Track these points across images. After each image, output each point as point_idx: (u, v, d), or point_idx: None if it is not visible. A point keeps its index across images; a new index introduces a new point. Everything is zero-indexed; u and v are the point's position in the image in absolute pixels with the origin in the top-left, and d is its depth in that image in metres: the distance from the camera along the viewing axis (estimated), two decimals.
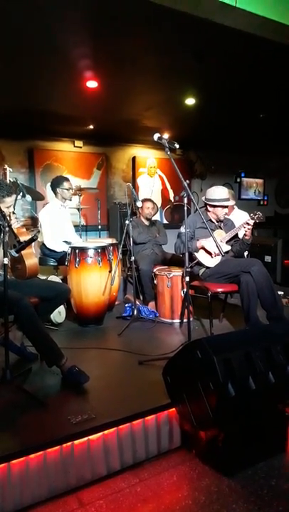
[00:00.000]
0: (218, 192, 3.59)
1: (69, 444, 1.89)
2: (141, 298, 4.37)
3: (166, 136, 6.21)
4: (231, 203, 3.68)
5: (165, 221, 7.49)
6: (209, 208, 3.64)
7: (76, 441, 1.91)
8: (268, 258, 5.64)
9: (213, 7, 2.80)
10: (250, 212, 3.50)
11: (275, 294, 3.24)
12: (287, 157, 8.82)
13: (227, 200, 3.59)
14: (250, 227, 3.38)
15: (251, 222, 3.36)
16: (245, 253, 4.77)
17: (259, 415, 2.09)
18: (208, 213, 3.65)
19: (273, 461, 2.07)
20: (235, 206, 4.93)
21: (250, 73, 4.09)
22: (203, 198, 3.68)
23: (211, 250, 3.44)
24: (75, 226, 4.90)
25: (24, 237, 2.58)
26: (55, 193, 4.32)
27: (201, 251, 3.53)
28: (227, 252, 3.60)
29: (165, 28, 3.12)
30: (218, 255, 3.42)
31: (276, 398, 2.12)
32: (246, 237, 3.46)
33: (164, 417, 2.17)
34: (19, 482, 1.77)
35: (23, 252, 2.71)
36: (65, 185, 4.28)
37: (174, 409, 2.18)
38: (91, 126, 5.93)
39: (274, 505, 1.76)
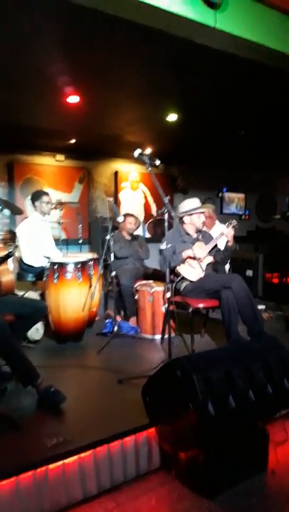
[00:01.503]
0: (190, 202, 3.65)
1: (43, 468, 1.82)
2: (122, 313, 4.32)
3: (148, 151, 6.27)
4: (204, 208, 3.73)
5: (148, 235, 7.49)
6: (185, 220, 3.64)
7: (51, 466, 1.84)
8: (249, 272, 5.67)
9: (192, 27, 2.84)
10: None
11: (255, 309, 3.24)
12: (267, 172, 8.99)
13: (200, 207, 3.64)
14: (229, 235, 3.45)
15: (226, 231, 3.45)
16: (227, 267, 4.80)
17: (239, 434, 2.06)
18: (185, 226, 3.65)
19: (254, 480, 2.03)
20: (216, 221, 4.97)
21: (230, 91, 4.17)
22: (175, 216, 3.69)
23: (198, 255, 3.43)
24: (56, 240, 4.83)
25: (0, 253, 2.52)
26: (35, 206, 4.27)
27: (185, 265, 3.51)
28: (210, 263, 3.60)
29: (145, 46, 3.16)
30: (202, 261, 3.45)
31: (256, 416, 2.10)
32: (229, 244, 3.52)
33: (143, 438, 2.11)
34: None
35: None
36: (45, 199, 4.24)
37: (153, 429, 2.13)
38: (73, 141, 5.93)
39: None
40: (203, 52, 3.15)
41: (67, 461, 1.88)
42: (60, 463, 1.86)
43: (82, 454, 1.92)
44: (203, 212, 3.70)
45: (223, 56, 3.20)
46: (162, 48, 3.17)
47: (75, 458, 1.90)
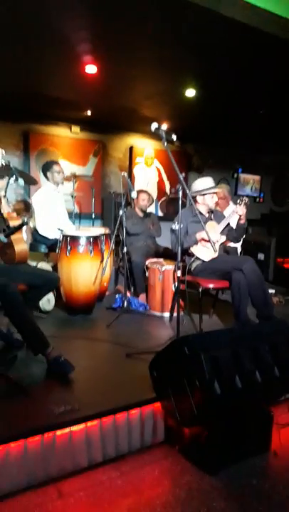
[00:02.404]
0: (204, 181, 3.60)
1: (51, 434, 1.87)
2: (132, 290, 4.34)
3: (164, 126, 6.15)
4: (218, 188, 3.68)
5: (160, 213, 7.43)
6: (198, 200, 3.61)
7: (58, 432, 1.89)
8: (261, 256, 5.63)
9: None
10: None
11: (266, 292, 3.23)
12: (285, 155, 8.79)
13: (214, 187, 3.59)
14: (241, 212, 3.40)
15: (239, 208, 3.40)
16: (239, 250, 4.77)
17: (244, 414, 2.08)
18: (198, 206, 3.61)
19: (256, 460, 2.07)
20: (231, 202, 4.91)
21: (251, 67, 4.03)
22: (190, 194, 3.65)
23: (212, 237, 3.41)
24: (69, 213, 4.83)
25: (14, 222, 2.53)
26: (47, 177, 4.27)
27: (198, 245, 3.50)
28: (223, 242, 3.58)
29: (166, 18, 3.05)
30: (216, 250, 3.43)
31: (262, 398, 2.12)
32: (241, 222, 3.49)
33: (149, 412, 2.15)
34: None
35: (12, 237, 2.66)
36: (55, 168, 4.22)
37: (158, 403, 2.16)
38: (89, 113, 5.83)
39: (254, 505, 1.76)
40: (226, 24, 3.04)
41: (74, 428, 1.93)
42: (67, 430, 1.91)
43: (89, 423, 1.97)
44: (216, 193, 3.65)
45: (245, 29, 3.09)
46: (184, 20, 3.06)
47: (81, 426, 1.95)
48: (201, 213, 3.59)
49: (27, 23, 3.15)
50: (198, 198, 3.60)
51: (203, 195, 3.57)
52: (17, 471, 1.79)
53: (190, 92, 4.85)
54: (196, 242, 3.47)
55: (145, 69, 4.18)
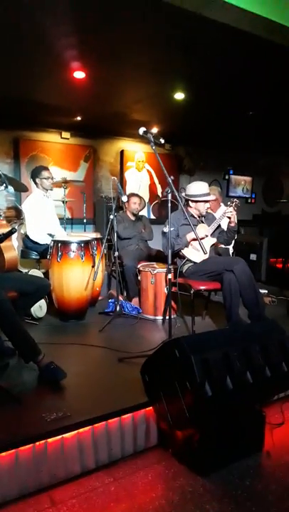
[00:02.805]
0: (199, 187, 3.58)
1: (42, 442, 1.85)
2: (124, 294, 4.34)
3: (155, 130, 6.18)
4: (212, 197, 3.68)
5: (152, 216, 7.45)
6: (191, 204, 3.62)
7: (50, 440, 1.87)
8: (253, 256, 5.64)
9: (202, 0, 2.75)
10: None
11: (257, 293, 3.24)
12: (275, 156, 8.85)
13: (208, 194, 3.58)
14: (231, 214, 3.40)
15: (229, 209, 3.40)
16: (231, 251, 4.79)
17: (236, 415, 2.08)
18: (190, 209, 3.63)
19: (249, 461, 2.06)
20: (222, 203, 4.93)
21: (239, 69, 4.05)
22: (183, 195, 3.66)
23: (201, 237, 3.41)
24: (60, 219, 4.83)
25: (3, 230, 2.51)
26: (36, 183, 4.26)
27: (189, 248, 3.51)
28: (213, 245, 3.58)
29: (153, 21, 3.06)
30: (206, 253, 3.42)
31: (253, 398, 2.12)
32: (231, 225, 3.48)
33: (141, 416, 2.14)
34: None
35: (2, 245, 2.66)
36: (44, 174, 4.22)
37: (151, 407, 2.16)
38: (79, 118, 5.84)
39: (247, 506, 1.75)
40: (213, 27, 3.06)
41: (66, 435, 1.91)
42: (59, 437, 1.89)
43: (81, 430, 1.96)
44: (209, 201, 3.65)
45: (232, 31, 3.11)
46: (171, 23, 3.07)
47: (73, 433, 1.93)
48: (192, 216, 3.60)
49: (14, 29, 3.16)
50: (191, 203, 3.61)
51: (196, 201, 3.57)
52: (8, 481, 1.77)
53: (179, 95, 4.88)
54: (186, 245, 3.48)
55: (134, 73, 4.19)
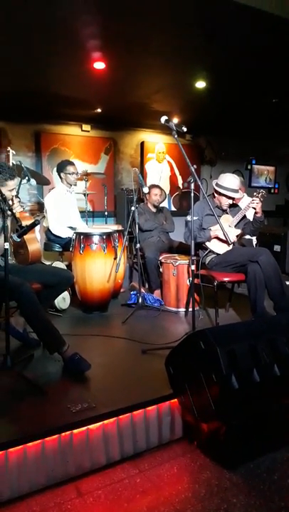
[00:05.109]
0: (229, 180, 3.48)
1: (68, 433, 1.86)
2: (146, 286, 4.32)
3: (175, 120, 6.09)
4: (239, 195, 3.57)
5: (173, 208, 7.38)
6: (216, 194, 3.55)
7: (75, 431, 1.88)
8: (277, 247, 5.54)
9: None
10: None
11: (283, 284, 3.16)
12: None
13: (236, 191, 3.49)
14: (257, 204, 3.30)
15: (256, 200, 3.30)
16: (254, 242, 4.70)
17: (263, 408, 2.04)
18: (215, 199, 3.57)
19: (277, 454, 2.02)
20: (244, 194, 4.83)
21: (263, 55, 3.93)
22: (213, 182, 3.59)
23: (226, 234, 3.35)
24: (82, 212, 4.83)
25: (26, 222, 2.52)
26: (60, 178, 4.26)
27: (213, 240, 3.45)
28: (238, 236, 3.52)
29: (175, 8, 2.99)
30: (230, 244, 3.35)
31: (281, 391, 2.07)
32: (257, 215, 3.39)
33: (166, 408, 2.13)
34: (16, 470, 1.74)
35: (25, 237, 2.67)
36: (70, 169, 4.21)
37: (176, 400, 2.14)
38: (99, 110, 5.81)
39: (276, 500, 1.72)
40: (235, 9, 2.96)
41: (91, 426, 1.92)
42: (84, 428, 1.90)
43: (106, 421, 1.96)
44: (234, 199, 3.56)
45: (256, 15, 3.00)
46: (194, 9, 3.00)
47: (98, 424, 1.94)
48: (217, 207, 3.54)
49: (34, 22, 3.14)
50: (215, 193, 3.55)
51: (220, 194, 3.50)
52: (35, 471, 1.79)
53: (200, 84, 4.78)
54: (209, 239, 3.43)
55: (153, 62, 4.12)
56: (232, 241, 3.37)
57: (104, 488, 1.80)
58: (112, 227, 4.42)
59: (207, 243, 3.46)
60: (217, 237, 3.43)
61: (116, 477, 1.88)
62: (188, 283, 3.65)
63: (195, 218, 3.08)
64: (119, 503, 1.71)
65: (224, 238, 3.33)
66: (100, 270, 3.63)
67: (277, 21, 3.13)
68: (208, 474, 1.88)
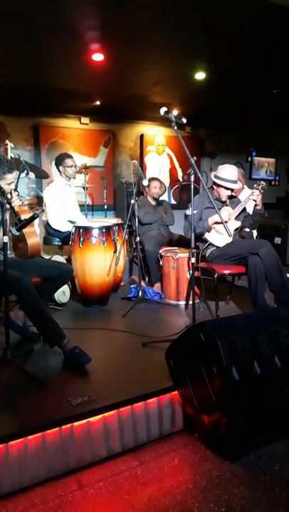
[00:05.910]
0: (227, 171, 3.45)
1: (68, 425, 1.87)
2: (146, 279, 4.31)
3: (175, 113, 6.04)
4: (237, 186, 3.55)
5: (173, 201, 7.36)
6: (214, 186, 3.53)
7: (76, 423, 1.88)
8: (277, 240, 5.53)
9: None
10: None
11: (283, 276, 3.15)
12: None
13: (234, 182, 3.46)
14: (257, 196, 3.27)
15: (256, 192, 3.27)
16: (255, 234, 4.68)
17: (264, 400, 2.04)
18: (214, 191, 3.55)
19: (277, 446, 2.03)
20: (245, 186, 4.80)
21: (263, 46, 3.89)
22: (212, 174, 3.56)
23: (225, 219, 3.32)
24: (81, 205, 4.81)
25: (25, 215, 2.51)
26: (59, 171, 4.23)
27: (212, 231, 3.43)
28: (238, 228, 3.50)
29: None
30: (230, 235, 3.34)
31: (282, 383, 2.06)
32: (258, 207, 3.36)
33: (167, 400, 2.13)
34: (17, 463, 1.75)
35: (24, 231, 2.66)
36: (68, 162, 4.18)
37: (176, 392, 2.14)
38: (98, 102, 5.77)
39: (277, 491, 1.72)
40: (236, 1, 2.93)
41: (91, 419, 1.92)
42: (84, 421, 1.90)
43: (107, 414, 1.96)
44: (232, 190, 3.54)
45: (256, 4, 2.96)
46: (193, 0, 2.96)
47: (99, 417, 1.94)
48: (216, 199, 3.51)
49: (32, 13, 3.11)
50: (214, 185, 3.53)
51: (218, 185, 3.48)
52: (36, 464, 1.79)
53: (200, 75, 4.74)
54: (208, 229, 3.41)
55: (152, 53, 4.08)
56: (231, 232, 3.35)
57: (105, 480, 1.80)
58: (111, 220, 4.40)
59: (207, 236, 3.44)
60: (216, 223, 3.40)
61: (117, 469, 1.88)
62: (189, 276, 3.65)
63: (195, 212, 3.06)
64: (120, 495, 1.71)
65: (220, 220, 3.31)
66: (99, 264, 3.62)
67: (277, 11, 3.09)
68: (209, 465, 1.88)
